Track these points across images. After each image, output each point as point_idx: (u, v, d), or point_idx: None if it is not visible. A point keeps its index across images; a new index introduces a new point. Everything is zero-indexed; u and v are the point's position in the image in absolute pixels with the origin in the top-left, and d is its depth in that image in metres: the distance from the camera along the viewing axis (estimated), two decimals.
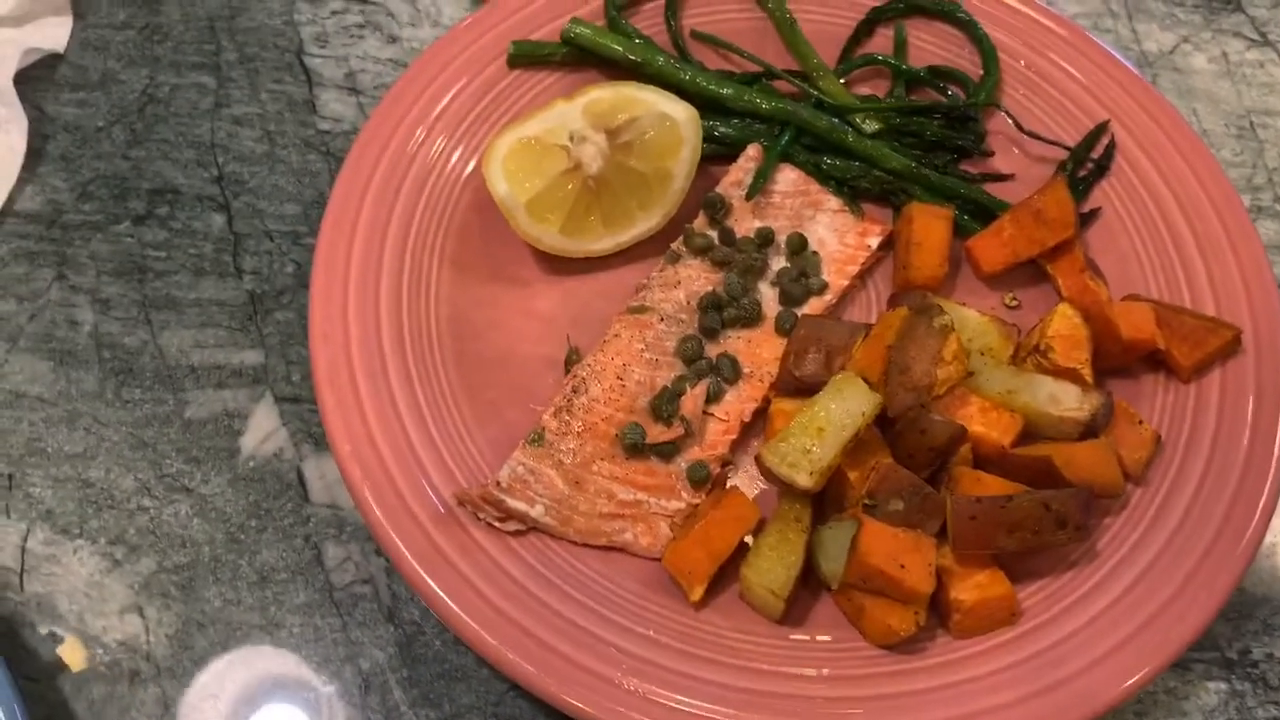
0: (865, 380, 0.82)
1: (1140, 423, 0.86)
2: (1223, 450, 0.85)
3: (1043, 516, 0.77)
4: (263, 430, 0.91)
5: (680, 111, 0.92)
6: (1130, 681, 0.76)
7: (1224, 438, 0.86)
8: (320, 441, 0.90)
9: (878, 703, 0.75)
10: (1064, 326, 0.87)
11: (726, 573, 0.81)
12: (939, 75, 1.04)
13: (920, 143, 1.01)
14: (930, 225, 0.93)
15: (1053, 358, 0.86)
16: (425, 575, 0.77)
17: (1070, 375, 0.86)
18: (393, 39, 1.11)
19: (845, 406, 0.80)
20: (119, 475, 0.88)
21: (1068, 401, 0.84)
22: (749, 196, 0.94)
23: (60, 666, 0.81)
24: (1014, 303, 0.96)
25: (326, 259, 0.89)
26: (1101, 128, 1.00)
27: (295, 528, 0.87)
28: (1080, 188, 0.98)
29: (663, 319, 0.89)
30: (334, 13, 1.12)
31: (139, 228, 0.99)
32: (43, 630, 0.82)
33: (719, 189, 0.95)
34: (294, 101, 1.07)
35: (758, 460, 0.81)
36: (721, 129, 0.99)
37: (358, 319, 0.86)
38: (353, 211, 0.92)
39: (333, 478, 0.89)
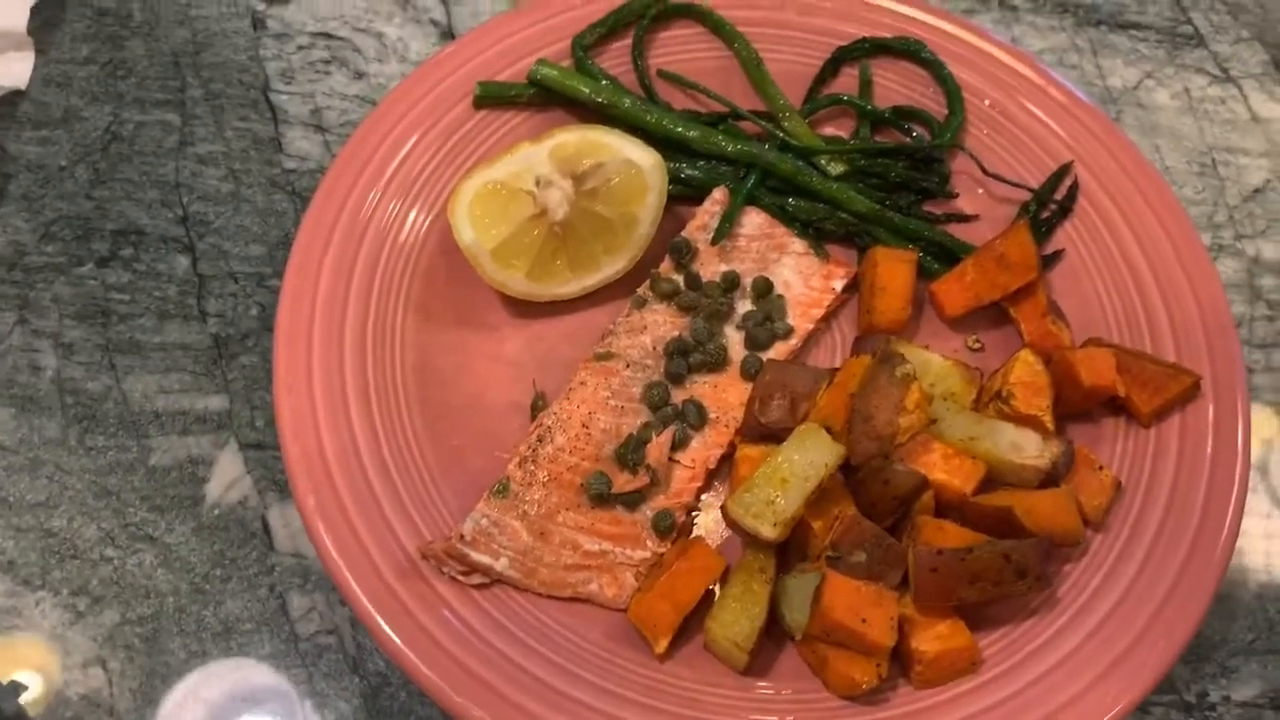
0: (829, 429, 0.83)
1: (1100, 468, 0.87)
2: (1182, 495, 0.86)
3: (1003, 567, 0.78)
4: (227, 477, 0.90)
5: (645, 158, 0.92)
6: None
7: (1183, 483, 0.87)
8: (285, 489, 0.90)
9: None
10: (1025, 373, 0.88)
11: (691, 623, 0.81)
12: (904, 115, 1.04)
13: (885, 184, 1.01)
14: (894, 270, 0.94)
15: (1014, 404, 0.87)
16: (389, 630, 0.77)
17: (1031, 422, 0.87)
18: (359, 75, 1.11)
19: (808, 458, 0.80)
20: (82, 524, 0.88)
21: (1029, 449, 0.85)
22: (715, 241, 0.95)
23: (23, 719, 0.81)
24: (977, 345, 0.96)
25: (290, 307, 0.88)
26: (1065, 169, 1.01)
27: (260, 577, 0.87)
28: (1043, 229, 0.99)
29: (628, 365, 0.89)
30: (300, 48, 1.12)
31: (103, 270, 0.98)
32: (4, 684, 0.81)
33: (685, 233, 0.96)
34: (259, 139, 1.06)
35: (723, 510, 0.81)
36: (687, 171, 0.99)
37: (322, 369, 0.86)
38: (317, 257, 0.92)
39: (297, 526, 0.88)
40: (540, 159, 0.93)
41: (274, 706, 0.82)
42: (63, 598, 0.85)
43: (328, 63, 1.11)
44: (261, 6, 1.14)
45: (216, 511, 0.89)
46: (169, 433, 0.92)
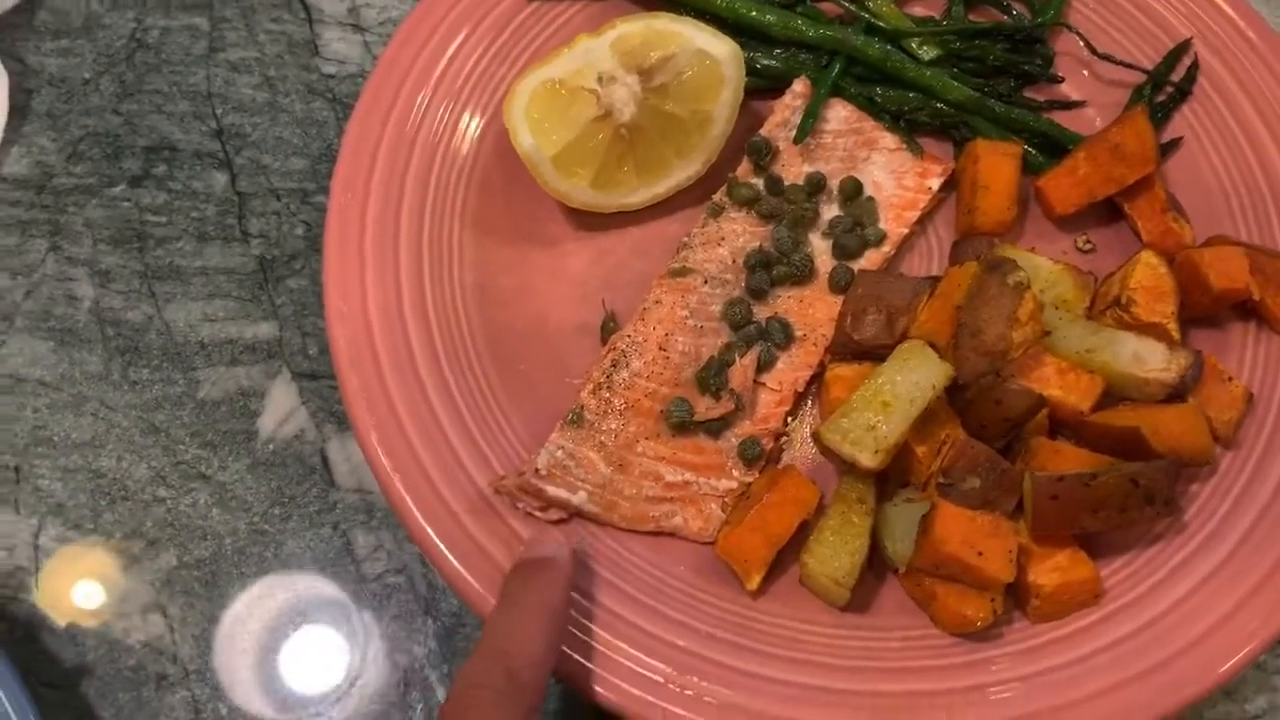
0: (933, 345, 0.76)
1: (1230, 379, 0.79)
2: None
3: (1130, 493, 0.71)
4: (281, 410, 0.85)
5: (720, 48, 0.83)
6: (1226, 666, 0.71)
7: None
8: (343, 421, 0.84)
9: (955, 697, 0.70)
10: (1147, 277, 0.80)
11: (785, 556, 0.75)
12: None
13: (982, 68, 0.91)
14: (997, 165, 0.85)
15: (1135, 312, 0.79)
16: (463, 570, 0.72)
17: (1155, 331, 0.78)
18: None
19: (912, 378, 0.73)
20: (131, 464, 0.83)
21: (1153, 362, 0.77)
22: (798, 140, 0.86)
23: (82, 671, 0.77)
24: (1088, 246, 0.88)
25: (339, 227, 0.81)
26: (1183, 47, 0.90)
27: (322, 515, 0.82)
28: (1159, 115, 0.89)
29: (706, 281, 0.82)
30: None
31: (136, 190, 0.92)
32: (62, 634, 0.78)
33: (763, 131, 0.87)
34: (294, 42, 0.98)
35: (816, 438, 0.75)
36: (764, 60, 0.90)
37: (377, 293, 0.80)
38: (364, 172, 0.84)
39: (358, 460, 0.83)
40: (602, 53, 0.84)
41: (342, 649, 0.78)
42: (116, 541, 0.80)
43: None
44: None
45: (271, 447, 0.84)
46: (216, 364, 0.86)
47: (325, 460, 0.83)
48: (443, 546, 0.73)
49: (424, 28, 0.90)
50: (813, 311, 0.82)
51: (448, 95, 0.88)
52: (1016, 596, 0.74)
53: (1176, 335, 0.79)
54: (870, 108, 0.89)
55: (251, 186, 0.92)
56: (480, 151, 0.87)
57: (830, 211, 0.86)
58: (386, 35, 0.98)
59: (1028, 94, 0.92)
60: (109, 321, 0.87)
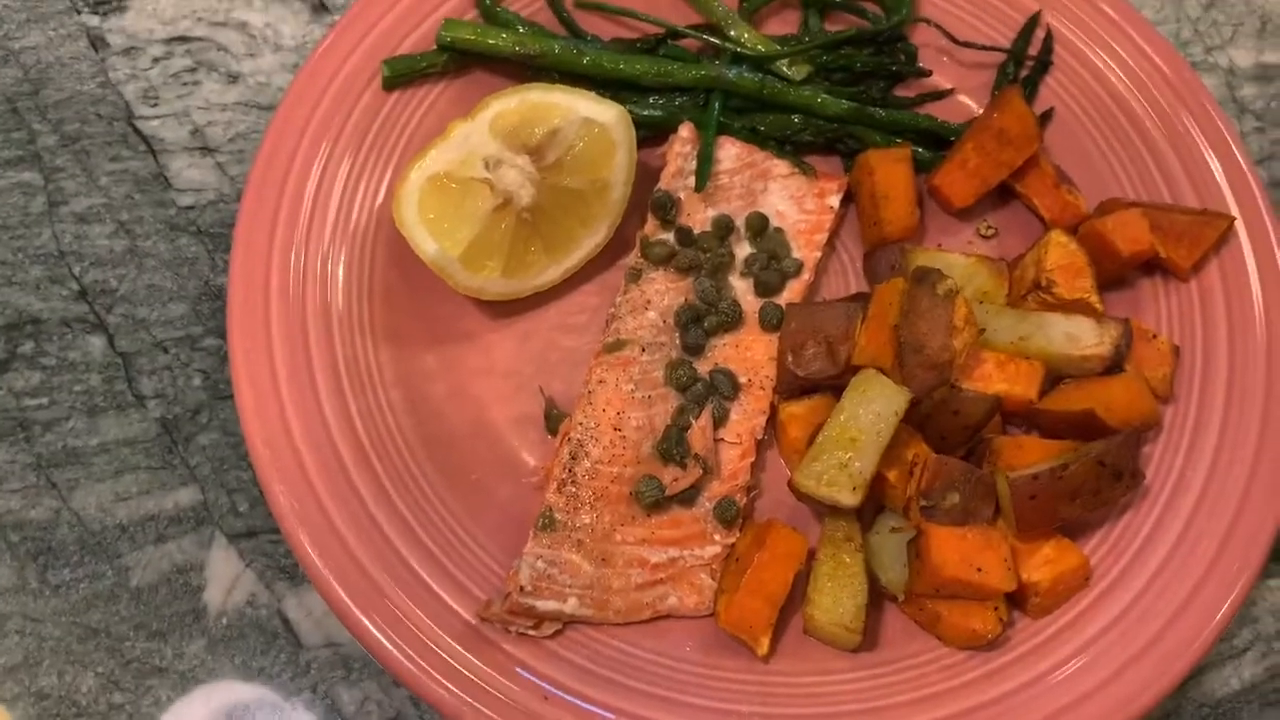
0: (879, 369, 0.76)
1: (1154, 337, 0.82)
2: (1241, 347, 0.82)
3: (1100, 474, 0.73)
4: (225, 578, 0.79)
5: (606, 113, 0.81)
6: (1219, 615, 0.73)
7: (1239, 334, 0.83)
8: (296, 575, 0.79)
9: (982, 712, 0.71)
10: (1061, 256, 0.82)
11: (783, 610, 0.74)
12: None
13: (852, 75, 0.92)
14: (892, 173, 0.85)
15: (1057, 292, 0.81)
16: (467, 706, 0.69)
17: (1080, 307, 0.81)
18: (233, 77, 0.95)
19: (874, 409, 0.73)
20: (76, 676, 0.76)
21: (1086, 338, 0.79)
22: (699, 188, 0.85)
23: None
24: (990, 231, 0.90)
25: (247, 377, 0.76)
26: (1034, 20, 0.93)
27: (297, 680, 0.77)
28: (1026, 90, 0.92)
29: (643, 349, 0.80)
30: (156, 60, 0.96)
31: (5, 376, 0.84)
32: None
33: (662, 185, 0.85)
34: (141, 179, 0.91)
35: (792, 486, 0.74)
36: (642, 110, 0.88)
37: (306, 439, 0.75)
38: (259, 314, 0.79)
39: (322, 611, 0.78)
40: (482, 137, 0.81)
41: None
42: None
43: (193, 70, 0.95)
44: (95, 21, 0.97)
45: (225, 620, 0.78)
46: (143, 545, 0.80)
47: (285, 621, 0.78)
48: (438, 688, 0.69)
49: (285, 146, 0.84)
50: (751, 354, 0.81)
51: (328, 211, 0.83)
52: (1013, 597, 0.75)
53: (1100, 307, 0.81)
54: (755, 138, 0.89)
55: (133, 344, 0.86)
56: (375, 262, 0.83)
57: (743, 250, 0.85)
58: (239, 153, 0.92)
59: (900, 92, 0.93)
60: (10, 526, 0.79)
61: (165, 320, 0.87)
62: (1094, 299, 0.81)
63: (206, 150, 0.93)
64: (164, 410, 0.84)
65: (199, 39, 0.97)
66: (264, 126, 0.87)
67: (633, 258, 0.83)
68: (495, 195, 0.79)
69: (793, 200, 0.87)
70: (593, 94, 0.82)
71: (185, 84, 0.95)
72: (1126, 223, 0.82)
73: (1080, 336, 0.79)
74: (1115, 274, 0.84)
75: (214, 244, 0.89)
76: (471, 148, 0.81)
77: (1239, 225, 0.85)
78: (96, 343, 0.86)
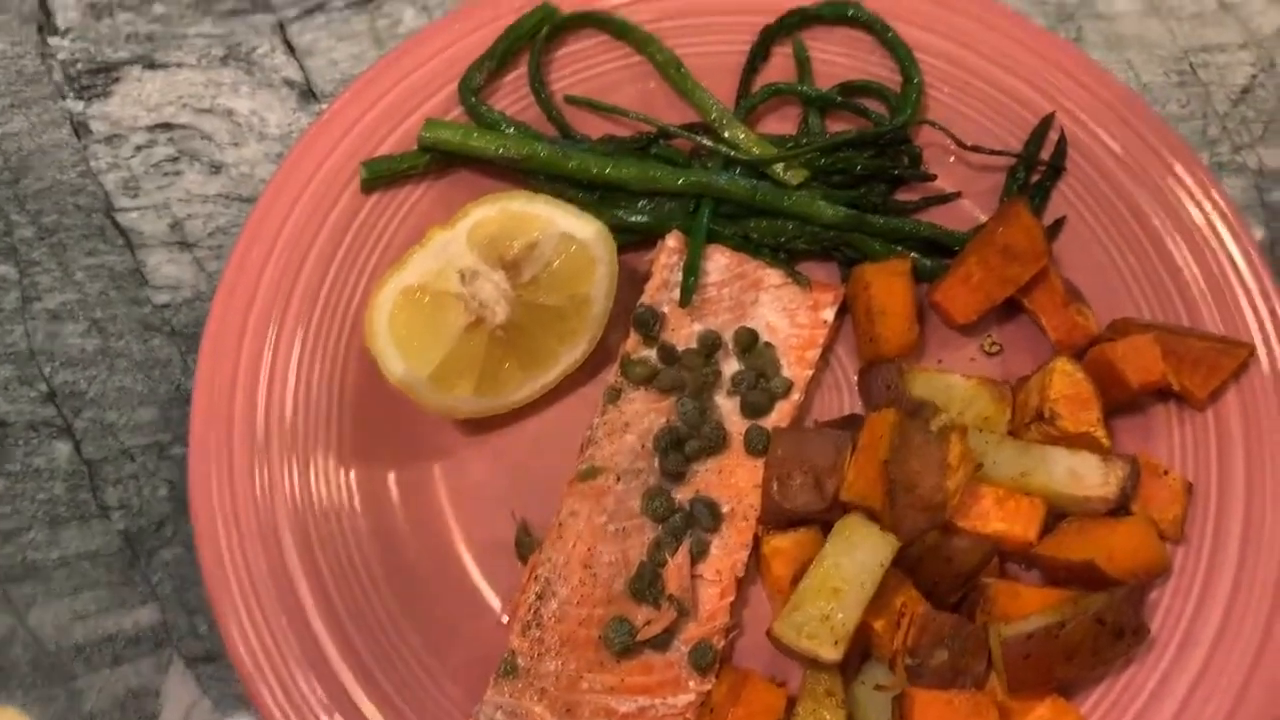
0: (868, 509, 0.71)
1: (1165, 473, 0.77)
2: (1258, 486, 0.77)
3: (1099, 633, 0.68)
4: (181, 705, 0.76)
5: (585, 229, 0.77)
6: None
7: (1256, 471, 0.77)
8: (251, 705, 0.76)
9: None
10: (1065, 385, 0.77)
11: None
12: (854, 92, 0.90)
13: (851, 179, 0.88)
14: (890, 287, 0.81)
15: (1061, 424, 0.76)
16: None
17: (1084, 441, 0.76)
18: (216, 167, 0.93)
19: (859, 559, 0.69)
20: None
21: (1090, 478, 0.74)
22: (684, 303, 0.81)
23: None
24: (995, 348, 0.85)
25: (205, 500, 0.74)
26: (1046, 122, 0.88)
27: None
28: (1038, 197, 0.87)
29: (619, 477, 0.76)
30: (138, 149, 0.93)
31: None
32: None
33: (646, 299, 0.81)
34: (117, 274, 0.89)
35: (771, 636, 0.70)
36: (630, 216, 0.84)
37: (263, 567, 0.72)
38: (222, 428, 0.77)
39: None
40: (459, 247, 0.78)
41: None
42: None
43: (175, 160, 0.93)
44: (80, 106, 0.95)
45: None
46: (98, 667, 0.77)
47: None
48: None
49: (259, 246, 0.82)
50: (735, 481, 0.77)
51: (300, 321, 0.81)
52: None
53: (1106, 441, 0.76)
54: (747, 245, 0.85)
55: (100, 451, 0.83)
56: (347, 375, 0.80)
57: (731, 366, 0.81)
58: (217, 248, 0.90)
59: (904, 195, 0.89)
60: None
61: (134, 426, 0.84)
62: (1100, 433, 0.76)
63: (185, 245, 0.90)
64: (128, 522, 0.81)
65: (183, 126, 0.94)
66: (244, 221, 0.84)
67: (614, 376, 0.80)
68: (469, 313, 0.76)
69: (785, 313, 0.83)
70: (574, 207, 0.79)
71: (167, 174, 0.93)
72: (1137, 350, 0.77)
73: (1084, 475, 0.74)
74: (1126, 401, 0.79)
75: (187, 345, 0.87)
76: (448, 258, 0.78)
77: (1260, 354, 0.80)
78: (63, 448, 0.83)
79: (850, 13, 0.90)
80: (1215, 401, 0.80)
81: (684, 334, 0.81)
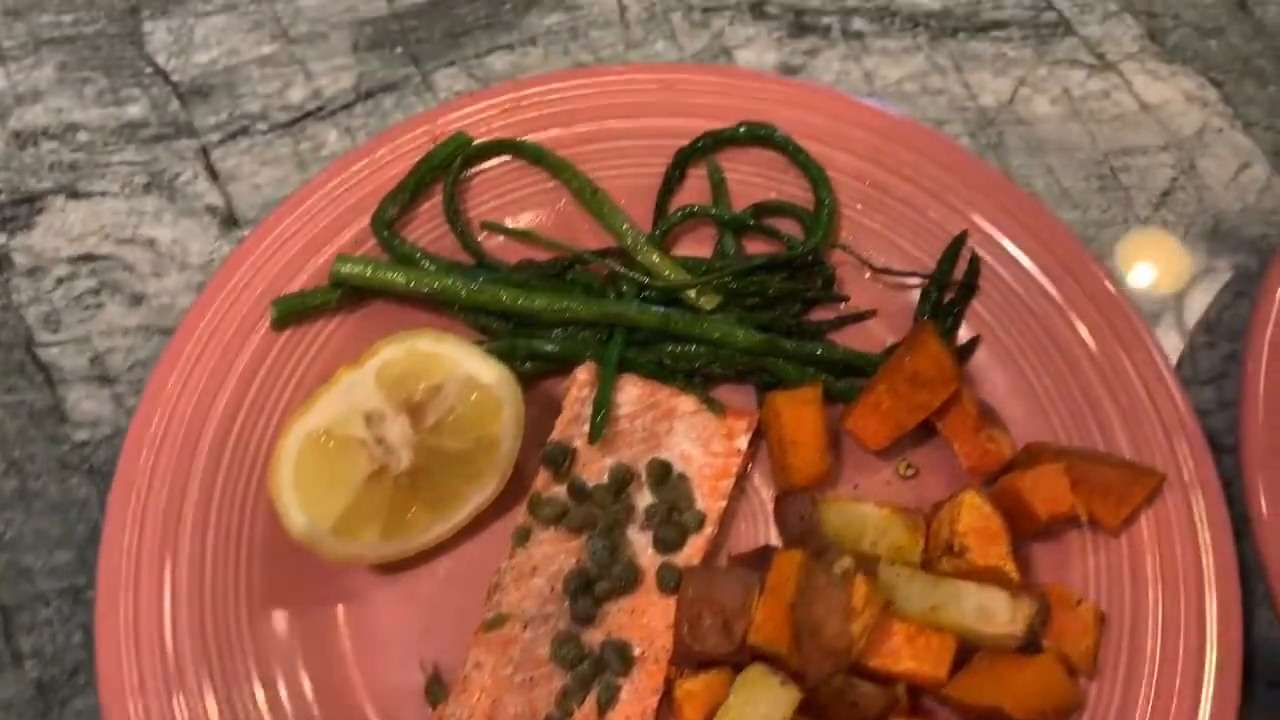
0: (775, 653, 0.71)
1: (1078, 603, 0.77)
2: (1172, 614, 0.76)
3: None
4: None
5: (489, 373, 0.78)
6: None
7: (1170, 599, 0.77)
8: None
9: None
10: (974, 519, 0.77)
11: None
12: (768, 213, 0.91)
13: (765, 299, 0.88)
14: (801, 417, 0.81)
15: (970, 558, 0.76)
16: None
17: (993, 575, 0.75)
18: (138, 299, 0.93)
19: (760, 711, 0.68)
20: None
21: (999, 614, 0.74)
22: (593, 441, 0.81)
23: None
24: (910, 472, 0.85)
25: (108, 654, 0.73)
26: (958, 242, 0.88)
27: None
28: (950, 317, 0.87)
29: (526, 625, 0.76)
30: (60, 281, 0.94)
31: None
32: None
33: (556, 434, 0.81)
34: (36, 412, 0.89)
35: None
36: (543, 346, 0.84)
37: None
38: (130, 570, 0.77)
39: None
40: (367, 388, 0.78)
41: None
42: None
43: (97, 292, 0.93)
44: (2, 239, 0.95)
45: None
46: None
47: None
48: None
49: (171, 385, 0.83)
50: (647, 620, 0.77)
51: (210, 464, 0.81)
52: None
53: (1015, 575, 0.76)
54: (660, 372, 0.85)
55: (15, 597, 0.83)
56: (256, 522, 0.80)
57: (643, 499, 0.81)
58: (137, 382, 0.90)
59: (819, 312, 0.89)
60: None
61: (50, 569, 0.84)
62: (1009, 567, 0.75)
63: (105, 380, 0.90)
64: (41, 671, 0.81)
65: (105, 257, 0.95)
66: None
67: (523, 517, 0.79)
68: (372, 461, 0.76)
69: (699, 441, 0.83)
70: (479, 350, 0.79)
71: (88, 307, 0.93)
72: (1046, 481, 0.77)
73: (994, 612, 0.74)
74: (1037, 531, 0.79)
75: (106, 484, 0.86)
76: (354, 400, 0.78)
77: (1172, 481, 0.79)
78: None
79: (762, 134, 0.91)
80: (1128, 528, 0.79)
81: (595, 469, 0.81)
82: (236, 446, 0.81)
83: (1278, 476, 0.81)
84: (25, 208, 0.96)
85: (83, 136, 0.99)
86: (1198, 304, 0.94)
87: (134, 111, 1.01)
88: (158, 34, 1.04)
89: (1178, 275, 0.94)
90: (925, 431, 0.85)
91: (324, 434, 0.77)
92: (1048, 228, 0.88)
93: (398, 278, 0.84)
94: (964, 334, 0.87)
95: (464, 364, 0.78)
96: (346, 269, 0.84)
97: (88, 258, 0.95)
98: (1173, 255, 0.95)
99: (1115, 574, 0.79)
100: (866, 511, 0.79)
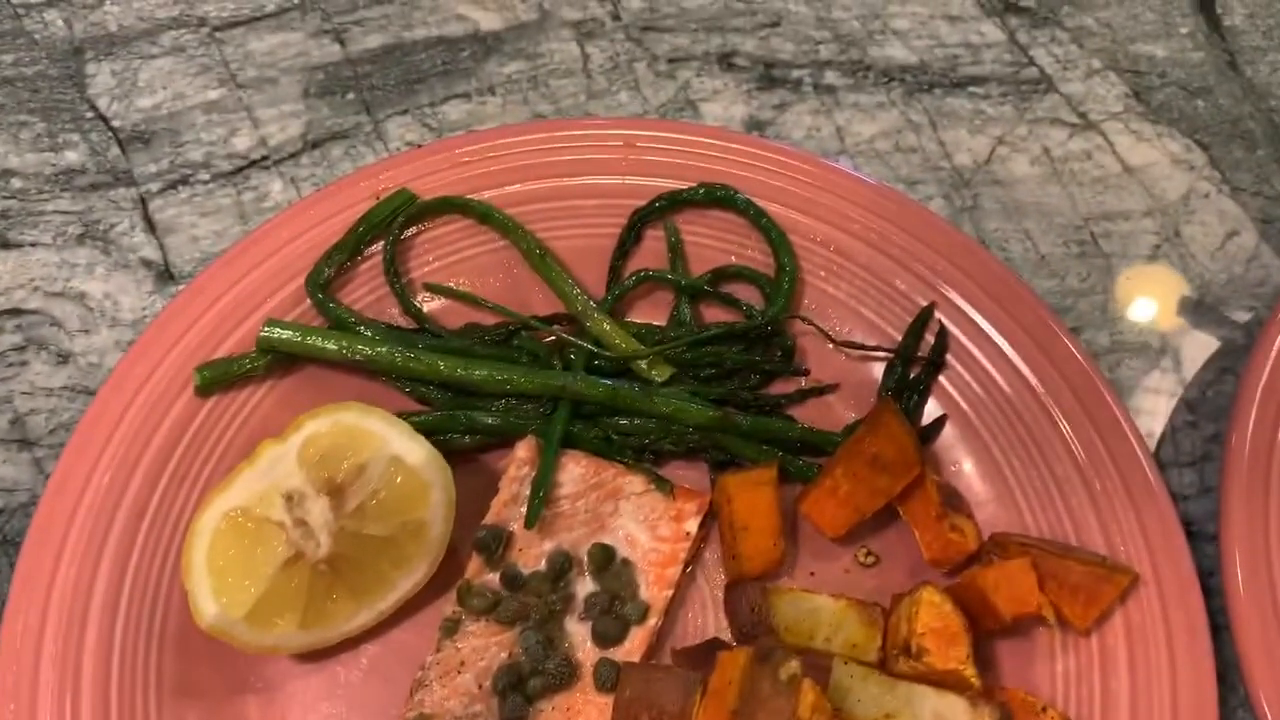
0: None
1: (1044, 709, 0.71)
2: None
3: None
4: None
5: (415, 453, 0.73)
6: None
7: (1142, 705, 0.72)
8: None
9: None
10: (933, 618, 0.71)
11: None
12: (727, 278, 0.86)
13: (721, 371, 0.83)
14: (753, 501, 0.76)
15: (928, 660, 0.71)
16: None
17: (952, 679, 0.70)
18: (64, 357, 0.89)
19: None
20: None
21: None
22: (529, 525, 0.76)
23: None
24: (870, 559, 0.80)
25: None
26: (924, 316, 0.83)
27: None
28: (915, 395, 0.82)
29: None
30: None
31: None
32: None
33: (490, 517, 0.76)
34: None
35: None
36: (483, 419, 0.80)
37: None
38: (29, 656, 0.72)
39: None
40: (289, 465, 0.74)
41: None
42: None
43: (21, 349, 0.89)
44: None
45: None
46: None
47: None
48: None
49: (88, 454, 0.78)
50: None
51: (127, 534, 0.76)
52: None
53: (976, 681, 0.70)
54: (608, 447, 0.80)
55: None
56: (171, 595, 0.75)
57: (584, 587, 0.76)
58: (58, 446, 0.85)
59: (779, 385, 0.84)
60: None
61: None
62: (969, 671, 0.70)
63: (25, 443, 0.86)
64: None
65: (32, 312, 0.90)
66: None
67: (451, 607, 0.74)
68: (289, 546, 0.71)
69: (645, 523, 0.78)
70: (408, 426, 0.74)
71: (11, 364, 0.88)
72: (1011, 578, 0.72)
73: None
74: (1002, 630, 0.74)
75: (17, 556, 0.82)
76: (275, 478, 0.73)
77: (1147, 579, 0.74)
78: None
79: (722, 195, 0.86)
80: (1100, 627, 0.74)
81: (533, 554, 0.76)
82: (154, 521, 0.77)
83: (1261, 568, 0.76)
84: None
85: (16, 183, 0.95)
86: (1179, 381, 0.89)
87: (71, 157, 0.96)
88: (100, 77, 1.00)
89: (1159, 350, 0.90)
90: (886, 515, 0.80)
91: (241, 512, 0.72)
92: (1021, 300, 0.83)
93: (329, 345, 0.80)
94: (930, 411, 0.82)
95: (391, 443, 0.73)
96: (275, 334, 0.80)
97: (14, 312, 0.90)
98: (1154, 328, 0.91)
99: (1084, 677, 0.73)
100: (821, 604, 0.74)
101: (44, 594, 0.74)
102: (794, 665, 0.68)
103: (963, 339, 0.83)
